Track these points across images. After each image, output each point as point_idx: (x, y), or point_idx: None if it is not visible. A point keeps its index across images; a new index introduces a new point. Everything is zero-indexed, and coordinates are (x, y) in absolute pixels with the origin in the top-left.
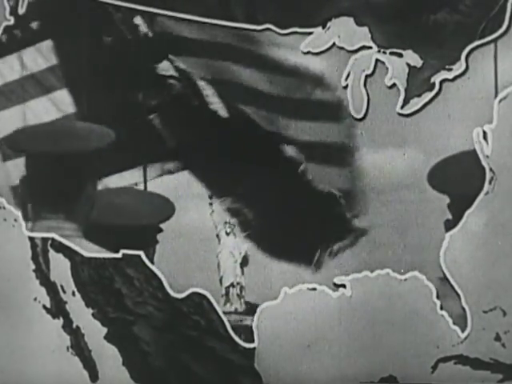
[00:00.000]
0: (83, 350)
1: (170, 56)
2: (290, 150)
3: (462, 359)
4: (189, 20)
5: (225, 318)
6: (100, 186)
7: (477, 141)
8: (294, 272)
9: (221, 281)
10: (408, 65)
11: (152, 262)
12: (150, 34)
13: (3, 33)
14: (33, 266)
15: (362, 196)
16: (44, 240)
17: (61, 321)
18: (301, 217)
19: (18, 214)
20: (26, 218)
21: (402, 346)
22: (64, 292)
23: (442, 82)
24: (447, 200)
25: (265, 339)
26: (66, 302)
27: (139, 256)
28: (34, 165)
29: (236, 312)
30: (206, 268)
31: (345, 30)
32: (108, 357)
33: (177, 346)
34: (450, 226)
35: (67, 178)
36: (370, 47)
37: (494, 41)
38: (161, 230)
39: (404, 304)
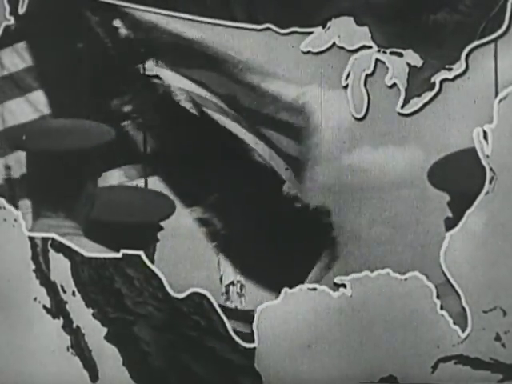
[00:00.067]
0: (83, 350)
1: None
2: (261, 159)
3: (462, 359)
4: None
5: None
6: (100, 184)
7: (477, 140)
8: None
9: (221, 279)
10: (408, 64)
11: (152, 261)
12: (131, 37)
13: (3, 33)
14: (33, 266)
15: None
16: (44, 240)
17: (61, 321)
18: (273, 228)
19: (18, 213)
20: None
21: (402, 345)
22: (64, 292)
23: (442, 81)
24: (447, 198)
25: (265, 339)
26: (66, 302)
27: (139, 256)
28: (33, 163)
29: (236, 310)
30: (205, 267)
31: (345, 30)
32: (108, 357)
33: (177, 346)
34: (450, 224)
35: (67, 176)
36: (370, 47)
37: (494, 40)
38: (161, 228)
39: (404, 304)
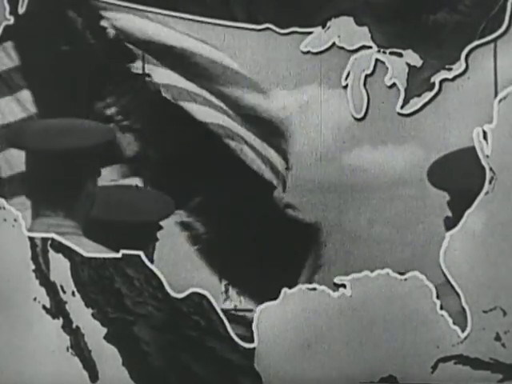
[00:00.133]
0: (83, 350)
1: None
2: (248, 162)
3: (462, 359)
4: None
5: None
6: (100, 183)
7: (477, 140)
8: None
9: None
10: (408, 64)
11: (152, 261)
12: (119, 38)
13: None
14: (33, 266)
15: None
16: (44, 240)
17: (60, 321)
18: (257, 232)
19: (18, 213)
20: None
21: (402, 345)
22: (64, 292)
23: (441, 81)
24: (447, 197)
25: (265, 339)
26: (65, 302)
27: (139, 256)
28: (33, 162)
29: (235, 309)
30: (206, 266)
31: (345, 30)
32: (108, 357)
33: (177, 346)
34: (449, 223)
35: (67, 176)
36: (370, 47)
37: (494, 40)
38: (161, 228)
39: (404, 304)
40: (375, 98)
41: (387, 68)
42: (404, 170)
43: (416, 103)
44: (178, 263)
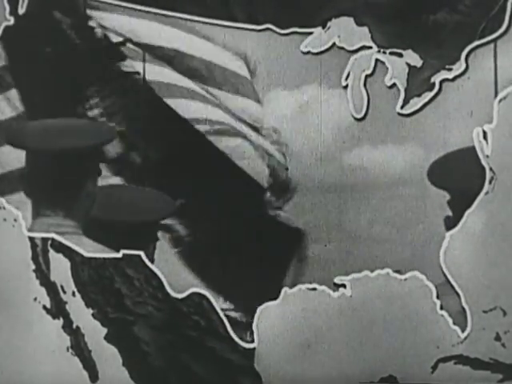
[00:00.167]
0: (83, 350)
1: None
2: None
3: (462, 359)
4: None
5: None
6: (100, 183)
7: (477, 140)
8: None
9: None
10: (408, 65)
11: (152, 261)
12: (105, 38)
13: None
14: (33, 266)
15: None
16: (44, 240)
17: (61, 321)
18: (237, 236)
19: (18, 213)
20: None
21: (402, 345)
22: (64, 292)
23: (441, 81)
24: (447, 196)
25: (265, 339)
26: (66, 303)
27: (139, 256)
28: (33, 161)
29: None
30: None
31: (345, 30)
32: (108, 357)
33: (177, 346)
34: (449, 222)
35: (67, 175)
36: (370, 47)
37: (494, 41)
38: (161, 227)
39: (404, 304)
40: (375, 98)
41: (387, 68)
42: (404, 169)
43: (416, 103)
44: (179, 263)
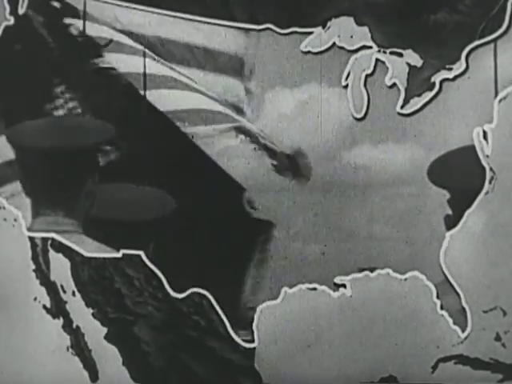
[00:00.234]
0: (83, 350)
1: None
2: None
3: (462, 359)
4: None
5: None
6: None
7: (477, 140)
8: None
9: None
10: (408, 64)
11: (152, 260)
12: (80, 36)
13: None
14: (33, 266)
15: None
16: (44, 240)
17: (61, 321)
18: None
19: (18, 213)
20: None
21: (402, 345)
22: (64, 292)
23: (442, 81)
24: (447, 195)
25: (265, 339)
26: (66, 302)
27: (139, 256)
28: (33, 160)
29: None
30: None
31: (345, 30)
32: (108, 357)
33: (177, 346)
34: (450, 221)
35: (67, 174)
36: (370, 47)
37: (494, 40)
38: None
39: (404, 304)
40: (375, 98)
41: (387, 68)
42: (404, 168)
43: (416, 103)
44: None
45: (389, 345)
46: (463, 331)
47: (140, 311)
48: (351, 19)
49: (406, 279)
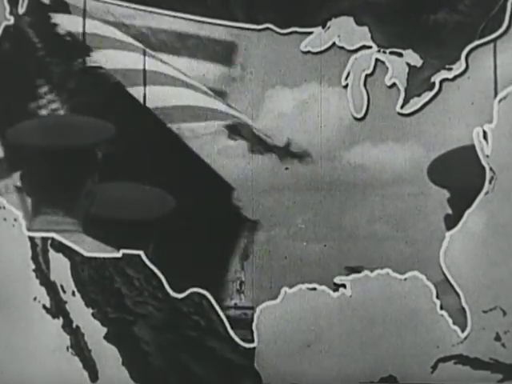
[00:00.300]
0: (83, 349)
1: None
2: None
3: (461, 359)
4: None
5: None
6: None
7: (477, 140)
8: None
9: None
10: (408, 64)
11: (152, 259)
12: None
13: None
14: (33, 266)
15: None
16: (44, 240)
17: (61, 321)
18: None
19: (18, 213)
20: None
21: (402, 345)
22: (64, 292)
23: (442, 81)
24: (447, 194)
25: (265, 339)
26: (65, 302)
27: (139, 256)
28: (33, 159)
29: (235, 307)
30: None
31: (345, 30)
32: (108, 357)
33: (177, 346)
34: (449, 221)
35: (67, 173)
36: (370, 47)
37: (494, 40)
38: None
39: (404, 304)
40: (375, 98)
41: (387, 68)
42: (404, 168)
43: (416, 103)
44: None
45: (389, 345)
46: (463, 331)
47: (140, 311)
48: (351, 19)
49: (405, 279)
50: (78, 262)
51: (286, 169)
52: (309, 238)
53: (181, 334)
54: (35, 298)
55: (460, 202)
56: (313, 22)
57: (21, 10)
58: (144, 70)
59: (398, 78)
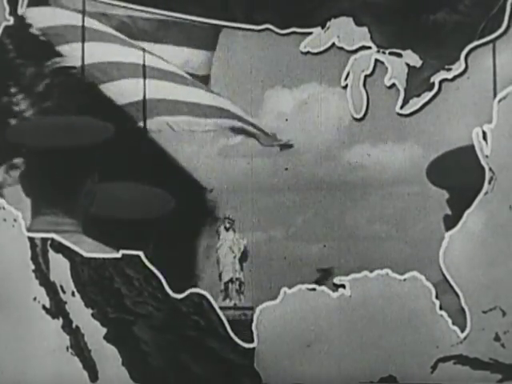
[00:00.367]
0: (83, 350)
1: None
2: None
3: (461, 359)
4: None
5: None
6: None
7: (476, 141)
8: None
9: (220, 276)
10: (407, 65)
11: (152, 259)
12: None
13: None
14: (32, 266)
15: None
16: (43, 240)
17: (60, 321)
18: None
19: (18, 214)
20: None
21: (402, 345)
22: (64, 292)
23: (441, 81)
24: (446, 195)
25: (264, 339)
26: (65, 302)
27: (139, 256)
28: (32, 160)
29: (235, 307)
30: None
31: (344, 30)
32: (108, 357)
33: (176, 346)
34: (449, 222)
35: (66, 174)
36: (370, 47)
37: (493, 41)
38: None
39: (403, 304)
40: (375, 98)
41: (387, 68)
42: (403, 168)
43: (416, 103)
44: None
45: (389, 345)
46: (462, 331)
47: (140, 311)
48: (350, 20)
49: (405, 279)
50: (77, 263)
51: (286, 169)
52: (309, 239)
53: (181, 334)
54: (35, 299)
55: (459, 203)
56: (312, 23)
57: (20, 10)
58: (144, 65)
59: (398, 78)
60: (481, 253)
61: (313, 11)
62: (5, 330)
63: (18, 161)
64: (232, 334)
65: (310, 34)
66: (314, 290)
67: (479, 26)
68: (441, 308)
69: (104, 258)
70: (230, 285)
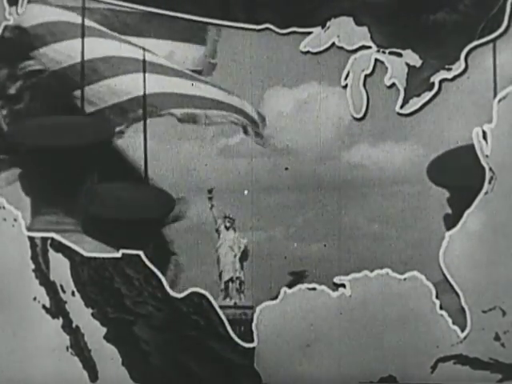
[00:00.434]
0: (83, 349)
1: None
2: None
3: (461, 359)
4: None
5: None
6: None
7: (476, 140)
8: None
9: (220, 275)
10: (407, 64)
11: (151, 259)
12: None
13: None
14: (32, 266)
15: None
16: (43, 240)
17: (60, 321)
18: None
19: (18, 213)
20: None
21: (402, 345)
22: (63, 292)
23: (441, 81)
24: (447, 194)
25: (264, 339)
26: (65, 302)
27: (139, 256)
28: (32, 160)
29: (235, 306)
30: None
31: (344, 30)
32: (108, 357)
33: (176, 346)
34: (449, 221)
35: (66, 173)
36: (370, 47)
37: (493, 40)
38: (161, 225)
39: (403, 304)
40: (375, 98)
41: (387, 68)
42: (404, 167)
43: (415, 103)
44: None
45: (388, 345)
46: (462, 331)
47: (140, 311)
48: (351, 19)
49: (405, 279)
50: (77, 262)
51: (286, 169)
52: (309, 238)
53: (181, 334)
54: (35, 298)
55: (459, 202)
56: (312, 22)
57: (20, 10)
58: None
59: (398, 78)
60: (481, 253)
61: (313, 11)
62: (5, 330)
63: (17, 160)
64: (232, 334)
65: (310, 33)
66: (314, 289)
67: (479, 25)
68: (441, 308)
69: (104, 258)
70: (230, 284)
